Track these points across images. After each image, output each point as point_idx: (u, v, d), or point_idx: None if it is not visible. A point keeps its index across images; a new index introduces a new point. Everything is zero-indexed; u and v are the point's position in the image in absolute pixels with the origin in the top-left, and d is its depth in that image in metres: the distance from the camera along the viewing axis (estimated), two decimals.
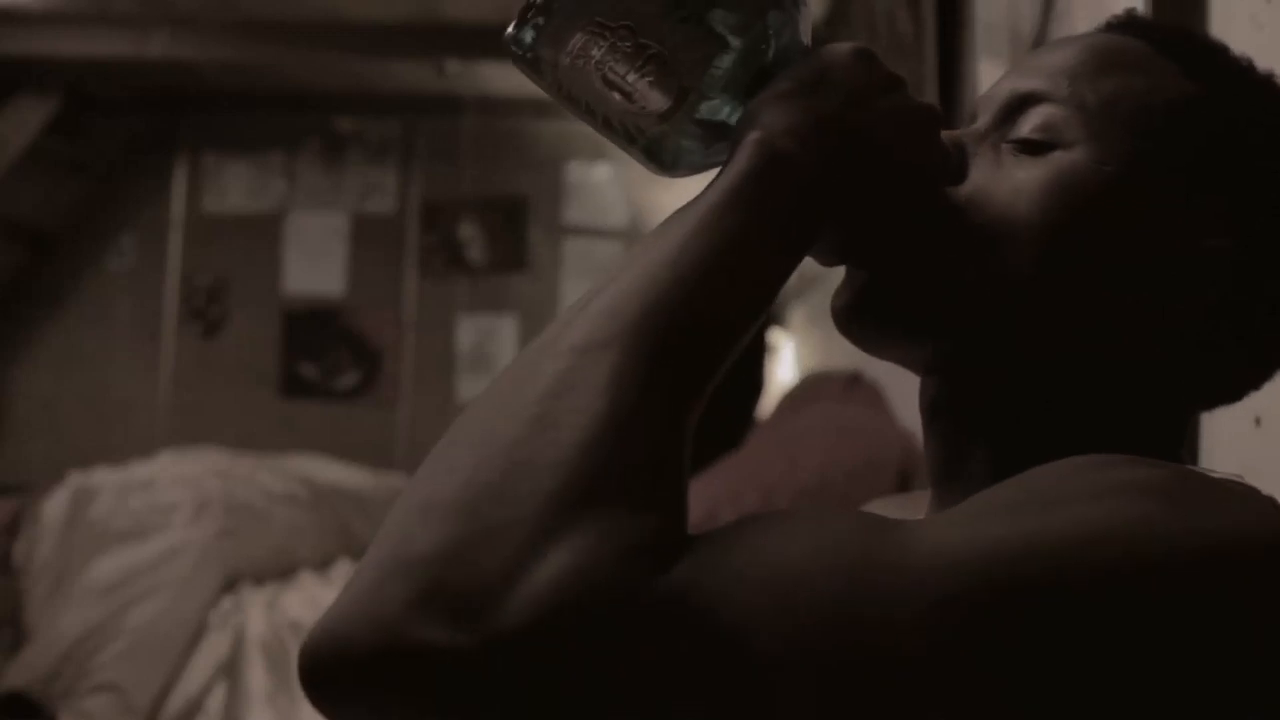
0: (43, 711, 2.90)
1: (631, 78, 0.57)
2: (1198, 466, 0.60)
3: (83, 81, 4.32)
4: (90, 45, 3.96)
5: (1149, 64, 0.64)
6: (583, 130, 0.62)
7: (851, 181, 0.58)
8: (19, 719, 2.89)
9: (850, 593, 0.44)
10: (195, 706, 2.95)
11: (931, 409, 0.66)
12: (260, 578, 3.37)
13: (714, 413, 0.54)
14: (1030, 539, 0.46)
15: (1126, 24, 0.67)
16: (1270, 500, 0.51)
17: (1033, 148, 0.62)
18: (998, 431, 0.63)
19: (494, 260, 4.70)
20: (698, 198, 0.55)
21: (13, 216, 4.52)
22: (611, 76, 0.57)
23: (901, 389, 2.22)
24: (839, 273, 0.65)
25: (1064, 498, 0.49)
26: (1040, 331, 0.61)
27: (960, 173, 0.63)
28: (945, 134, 0.63)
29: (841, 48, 0.59)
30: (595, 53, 0.57)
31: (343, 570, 3.53)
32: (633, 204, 4.61)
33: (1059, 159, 0.61)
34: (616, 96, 0.58)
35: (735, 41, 0.57)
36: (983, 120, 0.66)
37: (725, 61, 0.57)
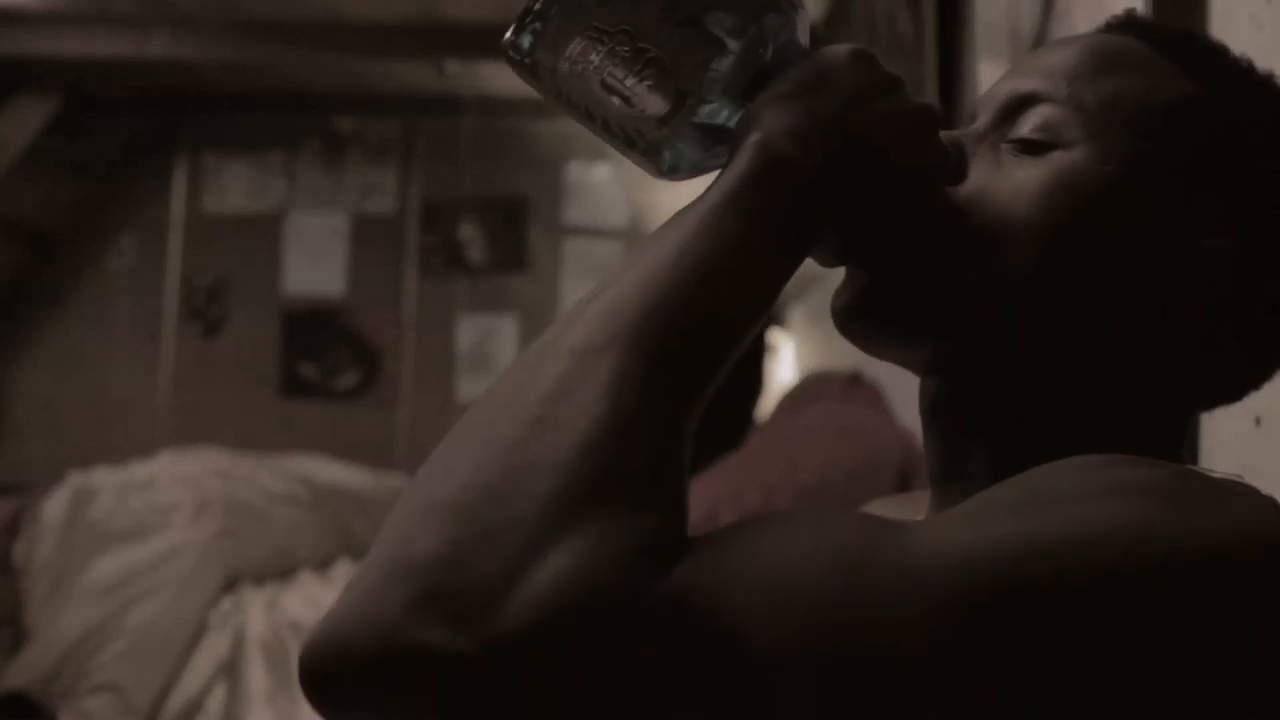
0: (43, 711, 2.90)
1: (630, 82, 0.57)
2: (1198, 466, 0.60)
3: (83, 81, 4.32)
4: (90, 45, 3.96)
5: (1149, 64, 0.64)
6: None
7: (851, 183, 0.58)
8: (19, 719, 2.89)
9: (850, 594, 0.44)
10: (195, 706, 2.95)
11: (931, 409, 0.66)
12: (260, 578, 3.37)
13: (714, 413, 0.54)
14: (1031, 539, 0.46)
15: (1126, 24, 0.67)
16: (1270, 500, 0.51)
17: (1032, 148, 0.62)
18: (998, 431, 0.63)
19: (494, 260, 4.70)
20: (697, 200, 0.55)
21: (13, 216, 4.52)
22: (610, 81, 0.57)
23: (901, 389, 2.22)
24: (839, 272, 0.65)
25: (1064, 498, 0.49)
26: (1040, 331, 0.61)
27: (960, 173, 0.63)
28: (945, 134, 0.63)
29: (839, 49, 0.59)
30: (594, 58, 0.57)
31: (343, 570, 3.53)
32: (633, 204, 4.61)
33: (1059, 159, 0.61)
34: (615, 101, 0.58)
35: (733, 44, 0.57)
36: (982, 120, 0.66)
37: (723, 64, 0.57)
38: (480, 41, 3.65)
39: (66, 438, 4.61)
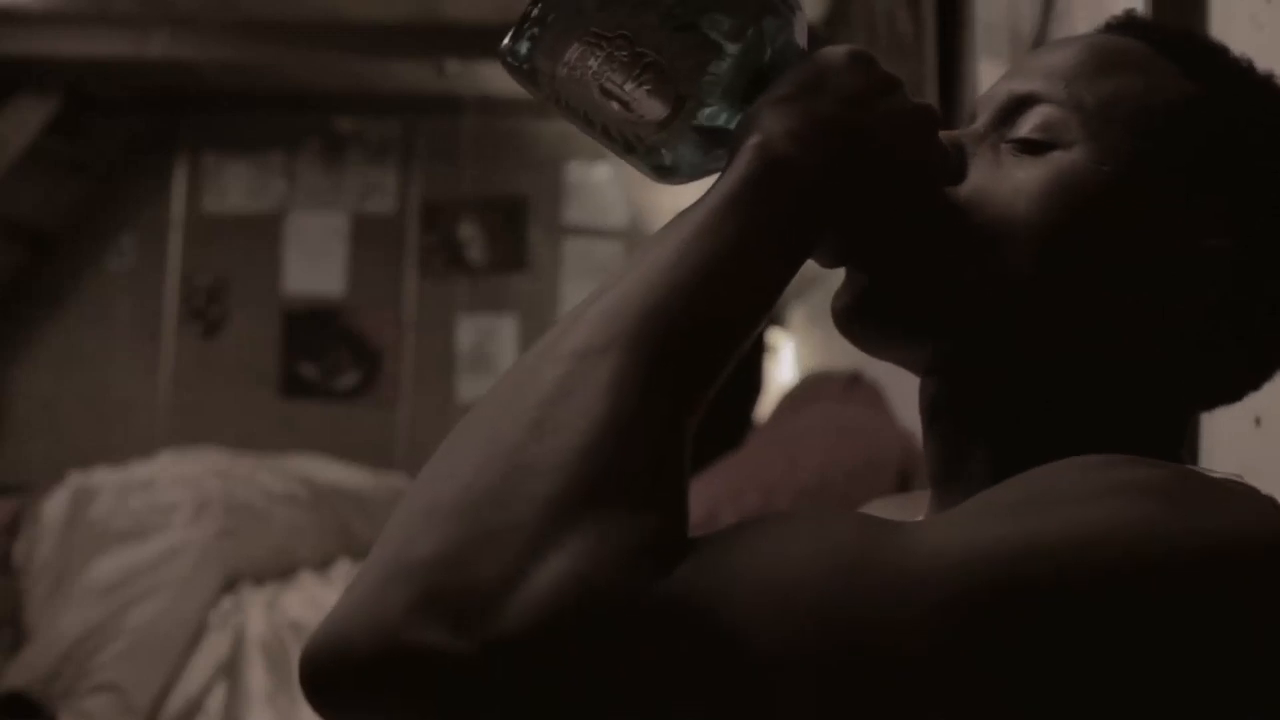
0: (43, 711, 2.90)
1: (629, 87, 0.57)
2: (1198, 466, 0.60)
3: (83, 81, 4.32)
4: (90, 45, 3.96)
5: (1149, 64, 0.64)
6: None
7: (851, 184, 0.58)
8: (19, 719, 2.89)
9: (850, 594, 0.44)
10: (195, 706, 2.95)
11: (931, 409, 0.66)
12: (260, 578, 3.37)
13: (714, 413, 0.54)
14: (1031, 539, 0.46)
15: (1126, 24, 0.67)
16: (1270, 500, 0.51)
17: (1032, 147, 0.62)
18: (998, 431, 0.63)
19: (494, 260, 4.70)
20: (697, 203, 0.55)
21: (13, 216, 4.52)
22: (609, 86, 0.57)
23: (901, 389, 2.22)
24: (839, 272, 0.65)
25: (1064, 498, 0.49)
26: (1040, 331, 0.61)
27: (960, 173, 0.63)
28: (944, 134, 0.63)
29: (838, 50, 0.59)
30: (592, 63, 0.57)
31: (343, 570, 3.53)
32: (633, 204, 4.61)
33: (1058, 159, 0.61)
34: (614, 106, 0.58)
35: (731, 47, 0.57)
36: (982, 120, 0.66)
37: (722, 68, 0.57)
38: (480, 41, 3.65)
39: (66, 438, 4.61)
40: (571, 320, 0.52)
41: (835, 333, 0.65)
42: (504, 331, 4.72)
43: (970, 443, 0.64)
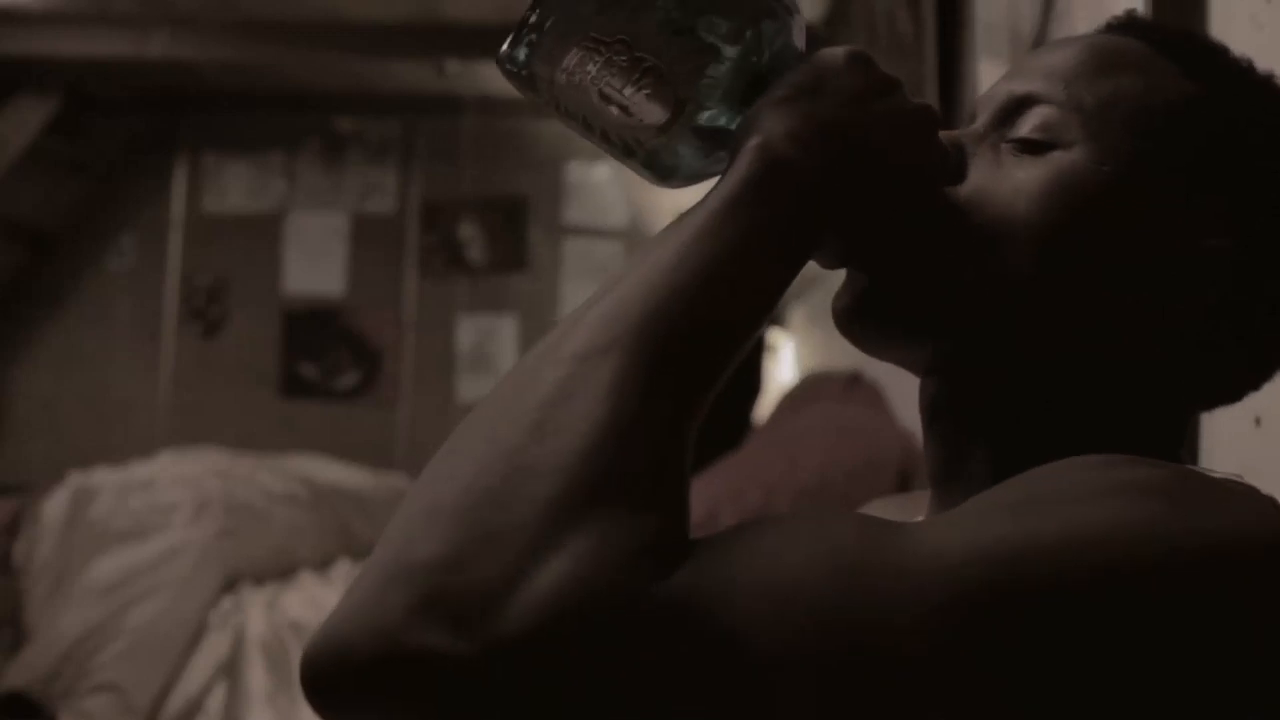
0: (43, 711, 2.90)
1: (628, 91, 0.57)
2: (1198, 466, 0.60)
3: (83, 81, 4.32)
4: (90, 45, 3.96)
5: (1149, 64, 0.64)
6: None
7: (851, 185, 0.58)
8: (19, 719, 2.89)
9: (850, 595, 0.44)
10: (195, 706, 2.95)
11: (931, 409, 0.66)
12: (260, 578, 3.37)
13: (713, 413, 0.54)
14: (1031, 540, 0.46)
15: (1126, 25, 0.67)
16: (1270, 500, 0.51)
17: (1032, 147, 0.62)
18: (998, 431, 0.63)
19: (494, 260, 4.70)
20: (698, 205, 0.55)
21: (13, 216, 4.52)
22: (608, 91, 0.57)
23: (901, 389, 2.22)
24: (839, 272, 0.65)
25: (1064, 498, 0.49)
26: (1040, 331, 0.61)
27: (960, 173, 0.63)
28: (944, 134, 0.63)
29: (836, 52, 0.59)
30: (591, 68, 0.57)
31: (343, 570, 3.53)
32: (633, 204, 4.61)
33: (1058, 159, 0.61)
34: (614, 110, 0.58)
35: (729, 50, 0.57)
36: (981, 121, 0.66)
37: (720, 70, 0.58)
38: (480, 41, 3.64)
39: (66, 438, 4.61)
40: (572, 322, 0.52)
41: (835, 333, 0.65)
42: (504, 331, 4.72)
43: (970, 443, 0.64)
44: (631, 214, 4.66)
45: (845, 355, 2.67)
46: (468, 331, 4.73)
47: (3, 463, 4.57)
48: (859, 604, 0.44)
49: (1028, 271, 0.60)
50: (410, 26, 3.88)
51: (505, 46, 0.57)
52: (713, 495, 2.04)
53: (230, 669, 3.03)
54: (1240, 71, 0.65)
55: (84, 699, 2.89)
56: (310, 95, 4.69)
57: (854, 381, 2.62)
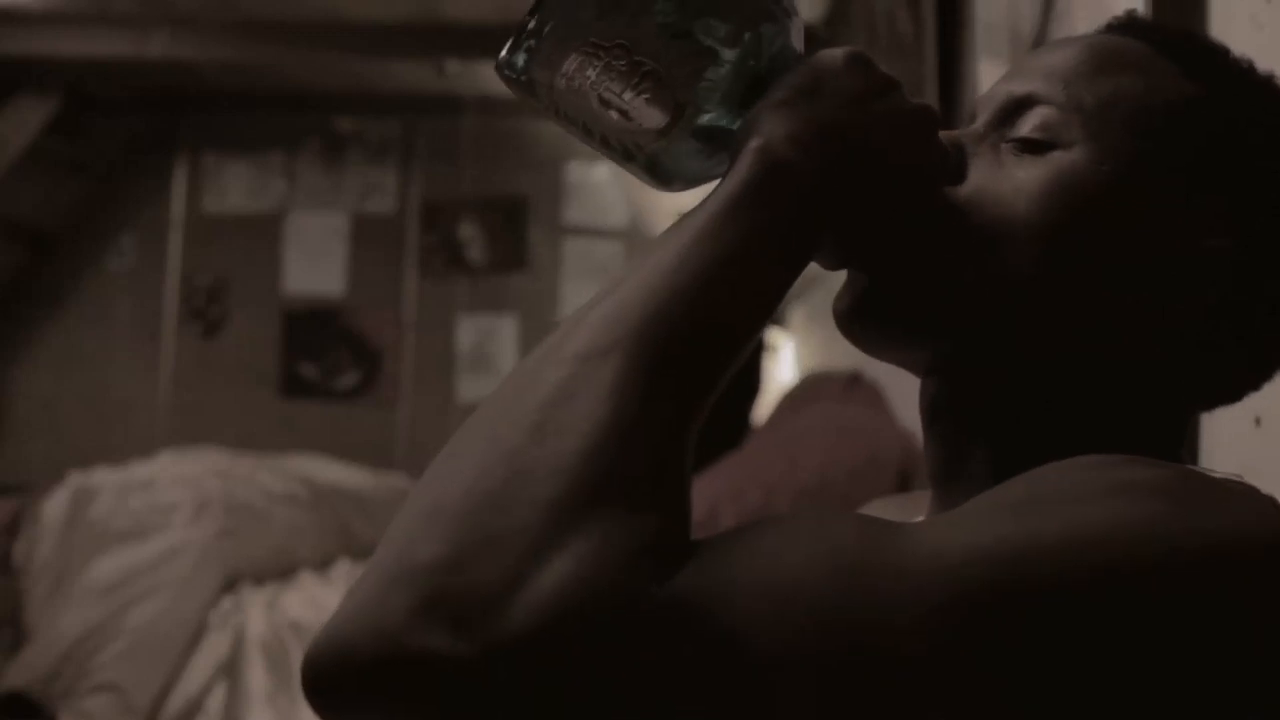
0: (43, 711, 2.90)
1: (628, 96, 0.57)
2: (1198, 466, 0.60)
3: (83, 81, 4.32)
4: (90, 45, 3.96)
5: (1149, 64, 0.64)
6: None
7: (852, 186, 0.58)
8: (19, 719, 2.89)
9: (850, 596, 0.45)
10: (195, 706, 2.95)
11: (932, 410, 0.66)
12: (260, 578, 3.37)
13: (713, 413, 0.54)
14: (1031, 540, 0.46)
15: (1127, 25, 0.67)
16: (1270, 500, 0.51)
17: (1032, 147, 0.62)
18: (998, 431, 0.63)
19: (494, 260, 4.70)
20: (699, 207, 0.55)
21: (13, 216, 4.52)
22: (607, 96, 0.57)
23: (901, 389, 2.22)
24: (840, 272, 0.65)
25: (1065, 498, 0.49)
26: (1040, 331, 0.61)
27: (960, 172, 0.63)
28: (944, 134, 0.63)
29: (835, 53, 0.59)
30: (590, 73, 0.57)
31: (343, 570, 3.53)
32: (633, 204, 4.61)
33: (1059, 159, 0.61)
34: (614, 115, 0.58)
35: (727, 53, 0.57)
36: (981, 121, 0.66)
37: (719, 74, 0.58)
38: (480, 41, 3.64)
39: (66, 438, 4.61)
40: (573, 324, 0.52)
41: (835, 333, 0.65)
42: (504, 331, 4.72)
43: (970, 443, 0.64)
44: (631, 214, 4.66)
45: (845, 355, 2.67)
46: (468, 331, 4.73)
47: (3, 463, 4.57)
48: (859, 604, 0.44)
49: (1028, 271, 0.60)
50: (410, 26, 3.88)
51: (504, 53, 0.57)
52: (713, 495, 2.04)
53: (230, 669, 3.03)
54: (1240, 72, 0.65)
55: (84, 699, 2.89)
56: (310, 95, 4.69)
57: (854, 381, 2.62)
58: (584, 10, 0.56)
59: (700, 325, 0.52)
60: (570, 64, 0.56)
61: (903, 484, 2.04)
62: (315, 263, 4.77)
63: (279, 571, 3.43)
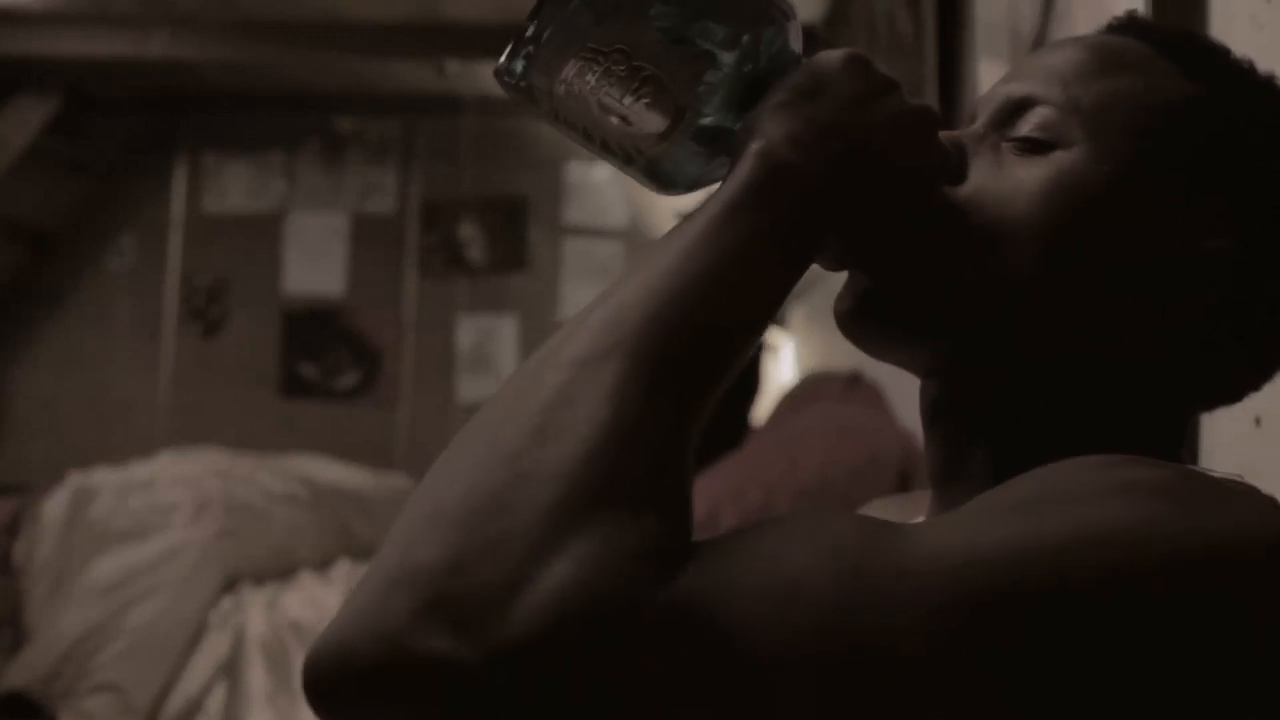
0: (43, 711, 2.90)
1: (628, 100, 0.57)
2: (1198, 466, 0.60)
3: (83, 81, 4.32)
4: (90, 45, 3.96)
5: (1149, 65, 0.64)
6: None
7: (853, 188, 0.58)
8: (19, 719, 2.89)
9: (850, 597, 0.45)
10: (195, 706, 2.95)
11: (932, 410, 0.66)
12: (260, 578, 3.37)
13: (712, 413, 0.54)
14: (1031, 541, 0.46)
15: (1127, 26, 0.67)
16: (1271, 500, 0.51)
17: (1032, 147, 0.62)
18: (998, 432, 0.63)
19: (494, 260, 4.70)
20: (700, 210, 0.55)
21: (13, 216, 4.52)
22: (607, 101, 0.57)
23: (901, 389, 2.22)
24: (841, 272, 0.65)
25: (1065, 499, 0.49)
26: (1040, 331, 0.61)
27: (960, 172, 0.63)
28: (945, 134, 0.63)
29: (834, 55, 0.59)
30: (590, 79, 0.57)
31: (343, 570, 3.53)
32: (633, 204, 4.61)
33: (1059, 159, 0.61)
34: (614, 120, 0.58)
35: (726, 56, 0.57)
36: (981, 121, 0.66)
37: (718, 77, 0.58)
38: (480, 41, 3.64)
39: (66, 438, 4.61)
40: (574, 327, 0.52)
41: (835, 333, 0.65)
42: (504, 331, 4.72)
43: (970, 443, 0.64)
44: (631, 214, 4.66)
45: (845, 355, 2.67)
46: (468, 331, 4.73)
47: (3, 463, 4.57)
48: (859, 605, 0.44)
49: (1028, 271, 0.60)
50: (410, 26, 3.87)
51: (503, 59, 0.57)
52: (713, 495, 2.04)
53: (230, 669, 3.03)
54: (1241, 72, 0.65)
55: (84, 699, 2.89)
56: (310, 95, 4.69)
57: (854, 381, 2.62)
58: (582, 16, 0.56)
59: (701, 328, 0.51)
60: (569, 70, 0.56)
61: (903, 484, 2.04)
62: (315, 263, 4.77)
63: (279, 571, 3.43)
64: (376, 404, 4.71)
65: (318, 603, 3.23)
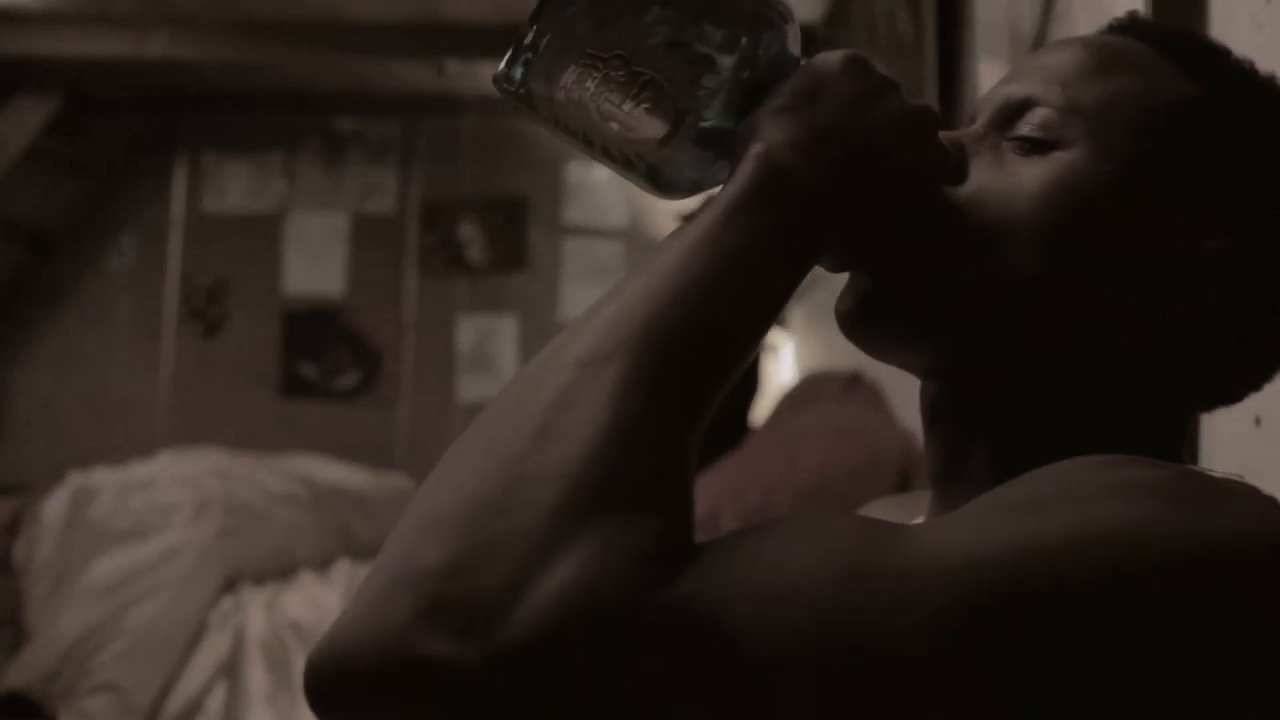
0: (43, 711, 2.90)
1: (627, 106, 0.57)
2: (1198, 466, 0.60)
3: (83, 81, 4.32)
4: (90, 45, 3.96)
5: (1149, 65, 0.64)
6: None
7: (853, 190, 0.58)
8: (19, 719, 2.89)
9: (851, 599, 0.45)
10: (195, 706, 2.95)
11: (932, 410, 0.66)
12: (260, 578, 3.37)
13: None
14: (1031, 541, 0.46)
15: (1128, 26, 0.67)
16: (1271, 500, 0.51)
17: (1033, 146, 0.62)
18: (998, 432, 0.63)
19: (494, 260, 4.70)
20: (701, 213, 0.55)
21: (13, 216, 4.52)
22: (607, 107, 0.57)
23: (901, 389, 2.22)
24: (841, 274, 0.65)
25: (1065, 499, 0.49)
26: (1040, 331, 0.61)
27: (961, 172, 0.63)
28: (945, 134, 0.63)
29: (832, 57, 0.59)
30: (589, 85, 0.57)
31: (343, 570, 3.53)
32: (633, 204, 4.61)
33: (1059, 159, 0.61)
34: (614, 126, 0.58)
35: (725, 60, 0.57)
36: (981, 121, 0.66)
37: (717, 81, 0.58)
38: (480, 41, 3.64)
39: (66, 438, 4.61)
40: (575, 329, 0.52)
41: (835, 333, 0.65)
42: (504, 331, 4.72)
43: (970, 443, 0.64)
44: (631, 214, 4.66)
45: (845, 355, 2.67)
46: (468, 331, 4.72)
47: (3, 463, 4.57)
48: (860, 606, 0.44)
49: (1028, 271, 0.60)
50: (410, 26, 3.87)
51: (501, 66, 0.57)
52: (713, 495, 2.04)
53: (230, 669, 3.03)
54: (1241, 72, 0.65)
55: (84, 699, 2.89)
56: (310, 95, 4.69)
57: (854, 381, 2.62)
58: (580, 23, 0.56)
59: (702, 330, 0.51)
60: (569, 76, 0.56)
61: (903, 484, 2.04)
62: (315, 263, 4.76)
63: (279, 571, 3.43)
64: (376, 404, 4.71)
65: (318, 603, 3.23)
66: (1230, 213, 0.62)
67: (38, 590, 3.22)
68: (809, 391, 2.83)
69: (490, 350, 4.70)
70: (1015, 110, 0.64)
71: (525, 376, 0.52)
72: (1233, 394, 0.66)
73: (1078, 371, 0.62)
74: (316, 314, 4.76)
